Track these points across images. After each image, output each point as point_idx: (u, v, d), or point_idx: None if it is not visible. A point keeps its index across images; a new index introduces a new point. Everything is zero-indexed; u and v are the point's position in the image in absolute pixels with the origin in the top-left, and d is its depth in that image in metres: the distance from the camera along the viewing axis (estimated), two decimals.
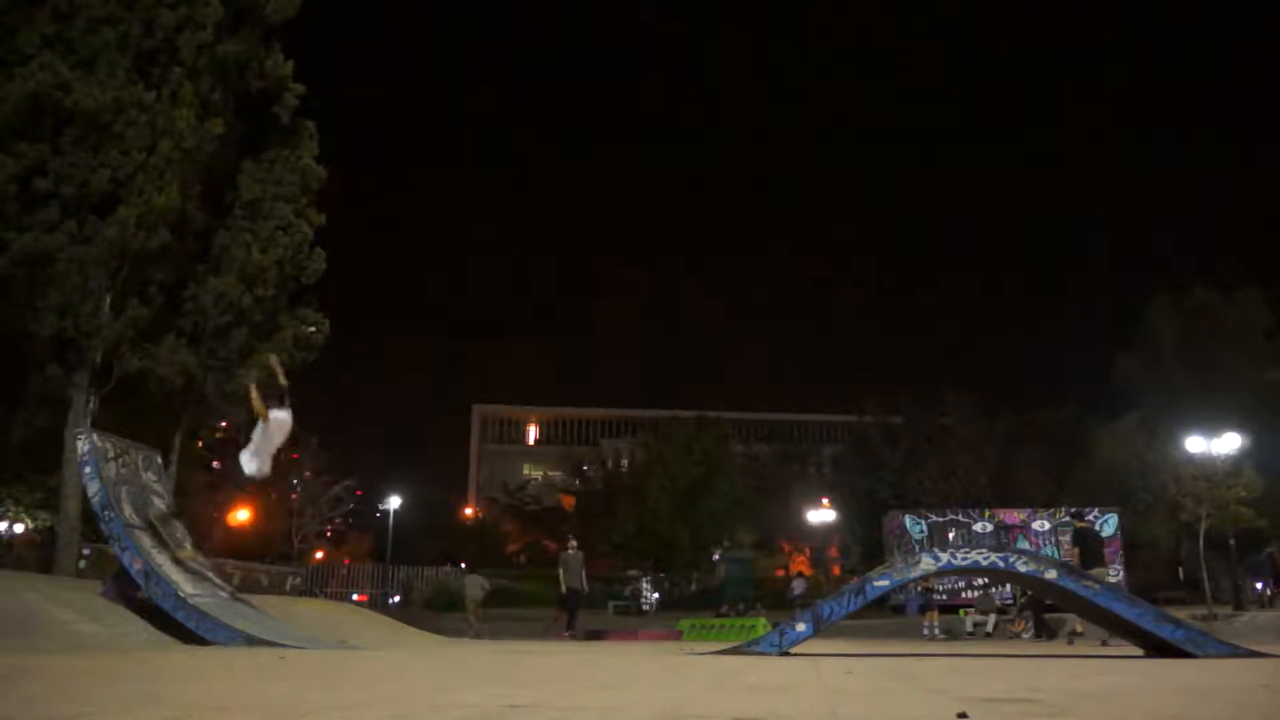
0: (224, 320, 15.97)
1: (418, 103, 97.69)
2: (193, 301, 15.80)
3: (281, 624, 9.27)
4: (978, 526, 28.98)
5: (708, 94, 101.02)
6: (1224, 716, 2.97)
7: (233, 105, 16.17)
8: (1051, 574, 7.55)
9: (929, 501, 33.23)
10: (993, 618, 20.25)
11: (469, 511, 55.08)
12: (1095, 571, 10.85)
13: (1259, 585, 24.03)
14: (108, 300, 14.50)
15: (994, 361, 78.68)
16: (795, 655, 7.11)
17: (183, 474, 19.88)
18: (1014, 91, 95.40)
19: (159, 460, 10.38)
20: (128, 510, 8.55)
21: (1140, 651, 7.59)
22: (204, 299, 15.74)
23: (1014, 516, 28.69)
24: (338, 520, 42.16)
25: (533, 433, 69.56)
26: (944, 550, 10.71)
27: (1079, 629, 13.26)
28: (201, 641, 7.55)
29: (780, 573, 41.06)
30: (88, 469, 8.48)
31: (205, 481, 32.78)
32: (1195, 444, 24.33)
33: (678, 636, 20.02)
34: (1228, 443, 23.88)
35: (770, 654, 7.13)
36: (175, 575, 8.35)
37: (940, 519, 29.70)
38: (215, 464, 44.00)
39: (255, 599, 10.94)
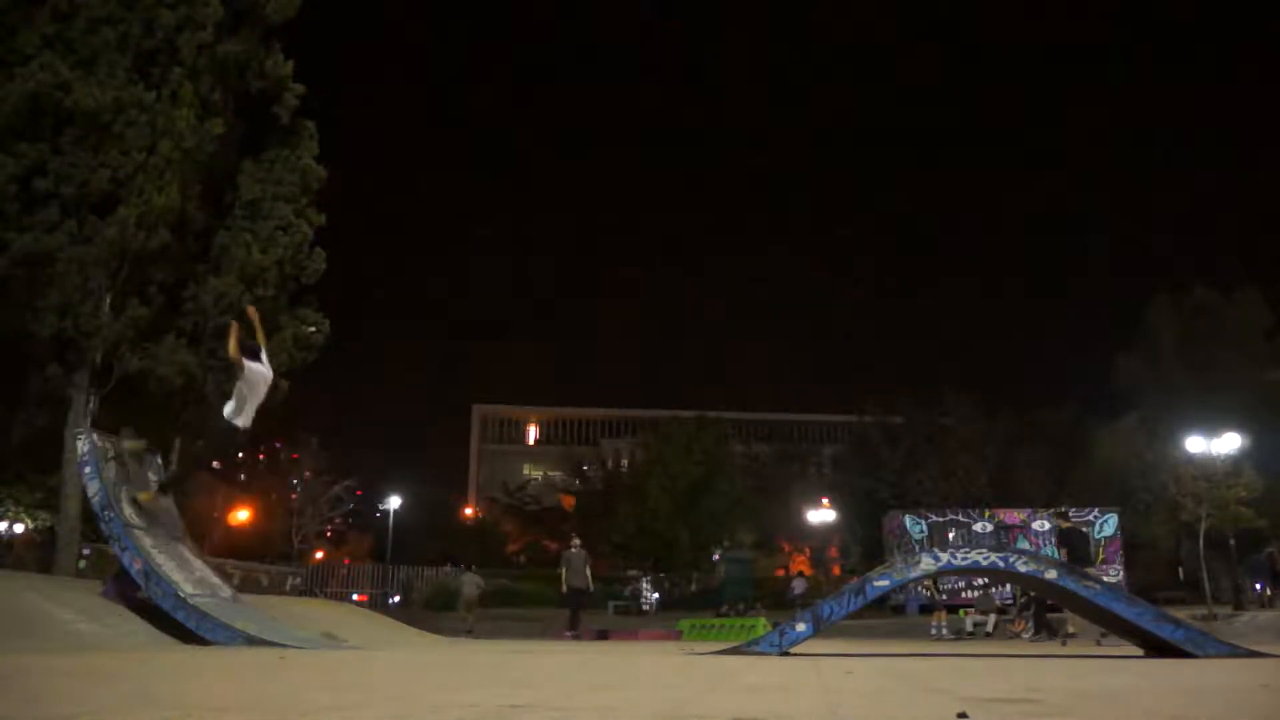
0: (224, 320, 15.96)
1: (418, 102, 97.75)
2: (193, 301, 15.80)
3: (281, 624, 9.27)
4: (978, 526, 28.98)
5: (708, 94, 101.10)
6: (1224, 716, 2.96)
7: (233, 105, 16.18)
8: (1051, 574, 7.55)
9: (929, 501, 33.23)
10: (993, 618, 20.24)
11: (469, 511, 55.07)
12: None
13: (1258, 586, 24.03)
14: (108, 300, 14.50)
15: (994, 361, 78.75)
16: (795, 655, 7.11)
17: (183, 474, 19.87)
18: (1014, 91, 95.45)
19: (159, 460, 10.38)
20: (128, 510, 8.55)
21: (1140, 651, 7.59)
22: (204, 299, 15.74)
23: (1014, 516, 28.70)
24: (338, 520, 42.21)
25: (533, 433, 69.56)
26: (944, 550, 10.70)
27: (1072, 630, 13.27)
28: (201, 641, 7.54)
29: (780, 573, 41.04)
30: (88, 469, 8.48)
31: (205, 482, 32.76)
32: (1195, 444, 24.34)
33: (678, 636, 20.03)
34: (1228, 443, 23.88)
35: (770, 654, 7.12)
36: (175, 575, 8.34)
37: (940, 519, 29.71)
38: (215, 464, 44.03)
39: (255, 599, 10.95)
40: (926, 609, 26.93)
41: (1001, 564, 7.66)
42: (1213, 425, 24.28)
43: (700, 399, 47.93)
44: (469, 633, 18.29)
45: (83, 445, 8.64)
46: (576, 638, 16.03)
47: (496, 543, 46.76)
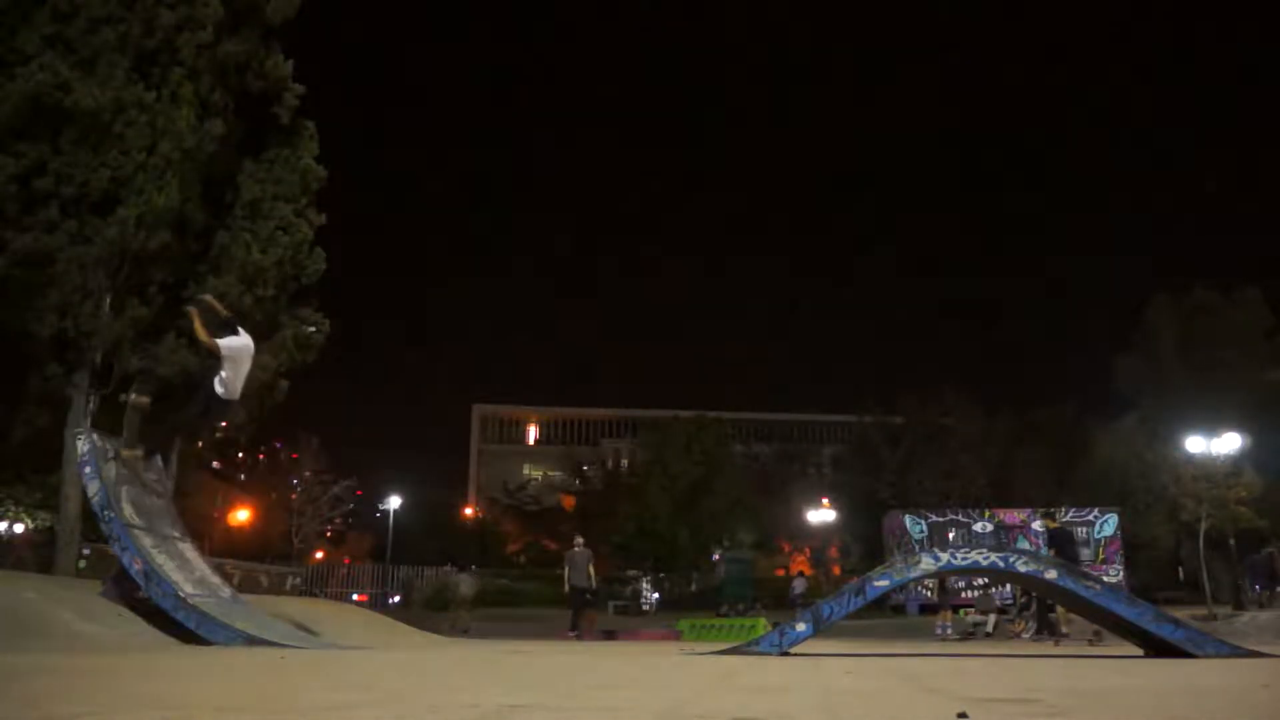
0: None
1: (418, 102, 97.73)
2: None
3: (281, 624, 9.26)
4: (978, 526, 29.00)
5: (708, 93, 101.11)
6: (1224, 716, 2.96)
7: (233, 105, 16.16)
8: (1051, 574, 7.55)
9: (929, 501, 33.25)
10: (993, 618, 20.24)
11: (469, 511, 55.07)
12: None
13: (1257, 587, 24.04)
14: (108, 300, 14.49)
15: (994, 361, 78.73)
16: (795, 655, 7.11)
17: (183, 474, 19.89)
18: (1014, 91, 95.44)
19: (159, 460, 10.37)
20: (128, 510, 8.54)
21: (1140, 651, 7.59)
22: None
23: (1014, 516, 28.72)
24: (338, 520, 42.20)
25: (533, 433, 69.54)
26: (944, 550, 10.70)
27: (1065, 630, 13.28)
28: (202, 641, 7.54)
29: (780, 573, 41.06)
30: (88, 469, 8.47)
31: (205, 481, 32.81)
32: (1195, 444, 24.35)
33: (678, 636, 20.03)
34: (1228, 443, 23.89)
35: (770, 654, 7.12)
36: (175, 575, 8.34)
37: (940, 519, 29.73)
38: (215, 464, 44.03)
39: (255, 599, 10.95)
40: (928, 609, 26.97)
41: (1001, 564, 7.66)
42: (1213, 425, 24.29)
43: (700, 399, 47.92)
44: (465, 632, 18.34)
45: (83, 445, 8.63)
46: (579, 638, 15.91)
47: (496, 543, 46.77)
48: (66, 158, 13.75)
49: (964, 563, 8.10)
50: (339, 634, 10.23)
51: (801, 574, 33.55)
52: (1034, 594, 14.85)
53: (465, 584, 21.62)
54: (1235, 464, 24.31)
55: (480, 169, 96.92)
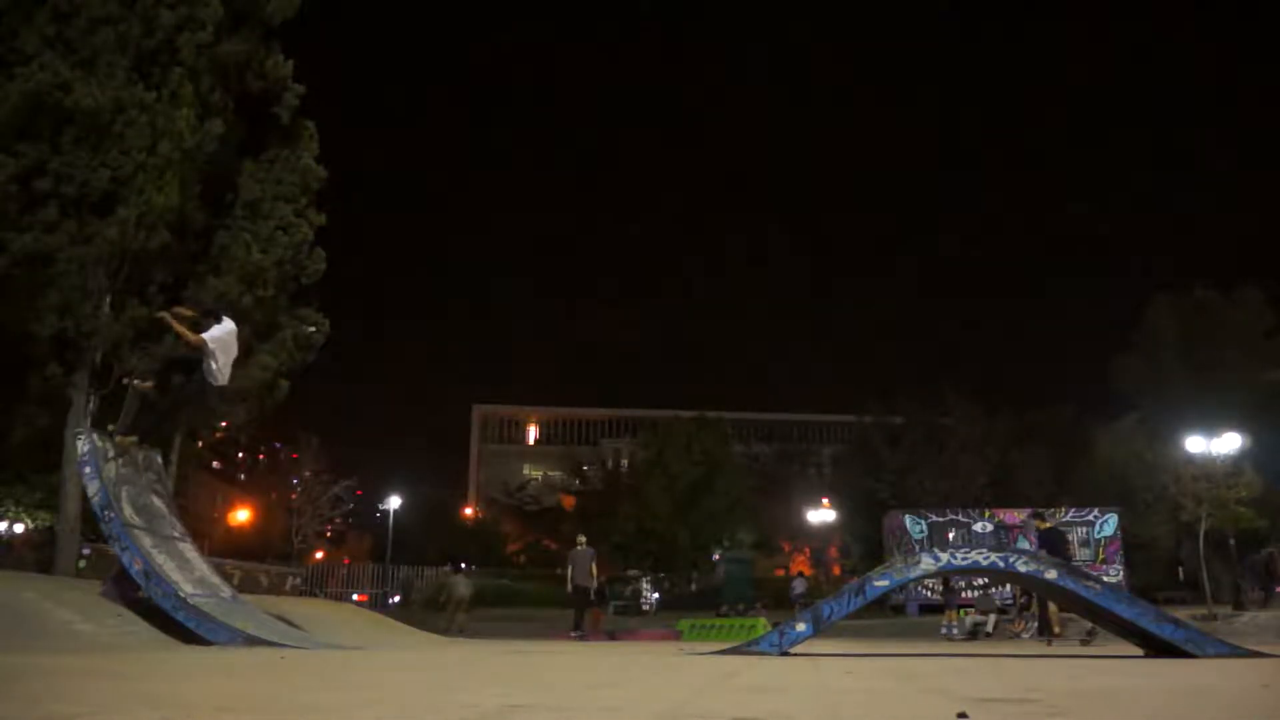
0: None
1: (418, 102, 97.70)
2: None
3: (281, 624, 9.25)
4: (978, 526, 29.00)
5: (708, 92, 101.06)
6: (1224, 716, 2.96)
7: (233, 105, 16.15)
8: (1051, 574, 7.54)
9: (929, 501, 33.24)
10: (993, 618, 20.25)
11: (469, 511, 55.08)
12: None
13: (1257, 588, 24.04)
14: (108, 300, 14.49)
15: (994, 361, 78.73)
16: (795, 655, 7.11)
17: (182, 474, 19.89)
18: (1013, 91, 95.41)
19: (159, 460, 10.37)
20: (128, 510, 8.53)
21: (1140, 651, 7.59)
22: (204, 299, 15.72)
23: (1014, 516, 28.70)
24: (338, 520, 42.20)
25: (533, 433, 69.55)
26: (944, 550, 10.69)
27: (1056, 630, 13.28)
28: (202, 641, 7.53)
29: (780, 573, 41.06)
30: (88, 469, 8.45)
31: (205, 481, 32.84)
32: (1195, 444, 24.34)
33: (678, 636, 20.02)
34: (1228, 443, 23.88)
35: (770, 654, 7.12)
36: (175, 575, 8.33)
37: (940, 519, 29.73)
38: (215, 464, 44.04)
39: (255, 599, 10.93)
40: (927, 609, 26.96)
41: (1001, 564, 7.66)
42: (1213, 425, 24.28)
43: (700, 399, 47.93)
44: (460, 633, 18.35)
45: (83, 445, 8.61)
46: (582, 638, 15.66)
47: (496, 543, 46.78)
48: (66, 158, 13.75)
49: (964, 563, 8.09)
50: (339, 634, 10.23)
51: (801, 574, 33.56)
52: (1033, 594, 14.86)
53: (461, 586, 21.69)
54: (1235, 464, 24.30)
55: (480, 168, 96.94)
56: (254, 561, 27.88)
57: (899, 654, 8.55)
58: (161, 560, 8.38)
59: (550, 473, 53.35)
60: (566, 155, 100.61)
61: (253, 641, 7.59)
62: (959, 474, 35.52)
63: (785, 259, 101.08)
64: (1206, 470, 24.18)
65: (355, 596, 31.31)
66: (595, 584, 17.39)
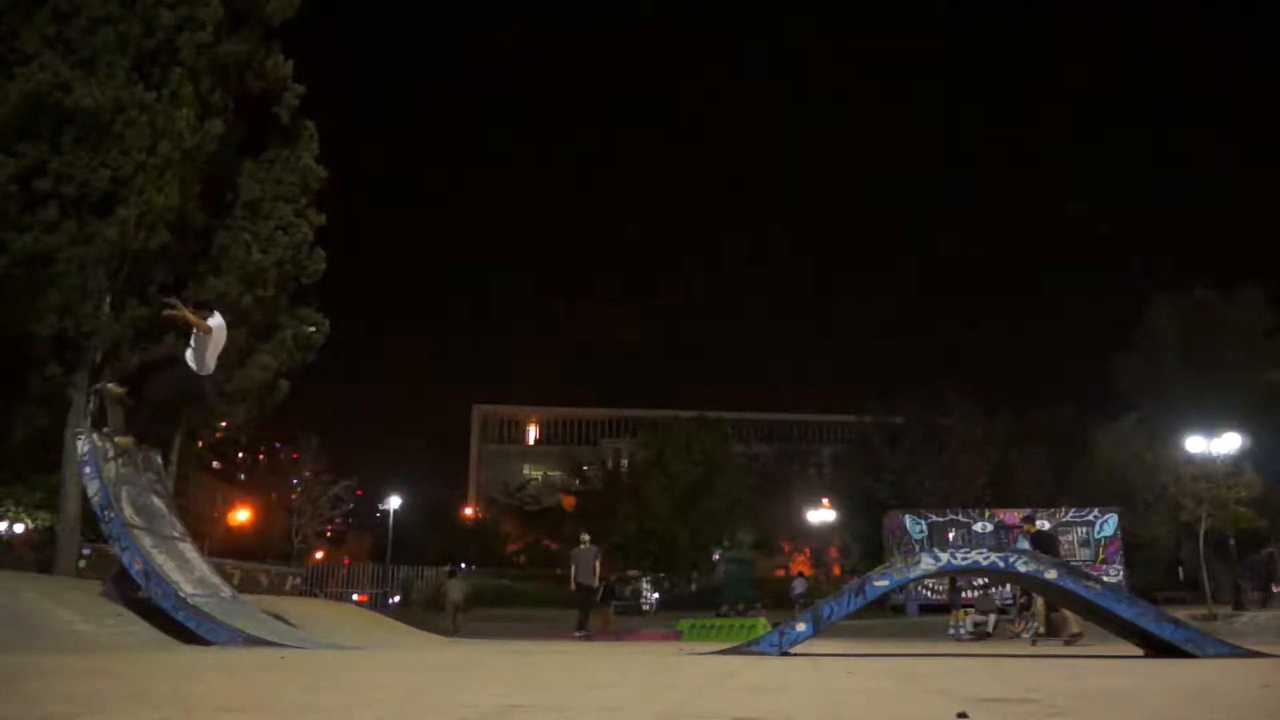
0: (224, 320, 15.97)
1: (418, 102, 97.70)
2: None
3: (281, 624, 9.25)
4: (978, 526, 29.01)
5: (708, 92, 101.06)
6: (1224, 716, 2.96)
7: (232, 105, 16.16)
8: (1051, 574, 7.54)
9: (929, 501, 33.25)
10: (993, 618, 20.25)
11: (469, 511, 55.08)
12: None
13: (1256, 589, 24.06)
14: (108, 300, 14.49)
15: (994, 361, 78.76)
16: (795, 655, 7.11)
17: (182, 474, 19.90)
18: (1013, 90, 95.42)
19: (159, 460, 10.37)
20: (128, 510, 8.53)
21: (1140, 651, 7.59)
22: (204, 299, 15.74)
23: (1014, 516, 28.69)
24: (338, 520, 42.21)
25: (533, 433, 69.55)
26: (944, 550, 10.69)
27: (1041, 630, 13.27)
28: (202, 641, 7.53)
29: (780, 573, 41.06)
30: (88, 469, 8.45)
31: (205, 481, 32.85)
32: (1195, 444, 24.35)
33: (678, 636, 20.02)
34: (1228, 443, 23.89)
35: (770, 654, 7.11)
36: (175, 575, 8.33)
37: (940, 519, 29.74)
38: (215, 464, 44.02)
39: (255, 599, 10.93)
40: (927, 609, 26.97)
41: (1001, 564, 7.65)
42: (1213, 425, 24.28)
43: (700, 399, 47.95)
44: (455, 633, 18.38)
45: (83, 445, 8.61)
46: (588, 638, 15.32)
47: (496, 543, 46.78)
48: (66, 158, 13.75)
49: (964, 563, 8.09)
50: (339, 634, 10.22)
51: (801, 574, 33.57)
52: (1031, 595, 14.87)
53: (454, 589, 21.88)
54: (1235, 464, 24.31)
55: (480, 168, 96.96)
56: (254, 561, 27.90)
57: (899, 654, 8.55)
58: (161, 560, 8.38)
59: (550, 473, 53.35)
60: (566, 155, 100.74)
61: (252, 641, 7.59)
62: (959, 474, 35.52)
63: (785, 259, 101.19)
64: (1206, 470, 24.19)
65: (355, 596, 31.32)
66: (598, 583, 16.86)
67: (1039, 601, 13.39)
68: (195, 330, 8.28)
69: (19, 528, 25.57)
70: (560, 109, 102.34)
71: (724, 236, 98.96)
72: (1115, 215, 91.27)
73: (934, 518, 29.91)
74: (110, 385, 8.62)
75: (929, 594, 27.75)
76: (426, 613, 23.86)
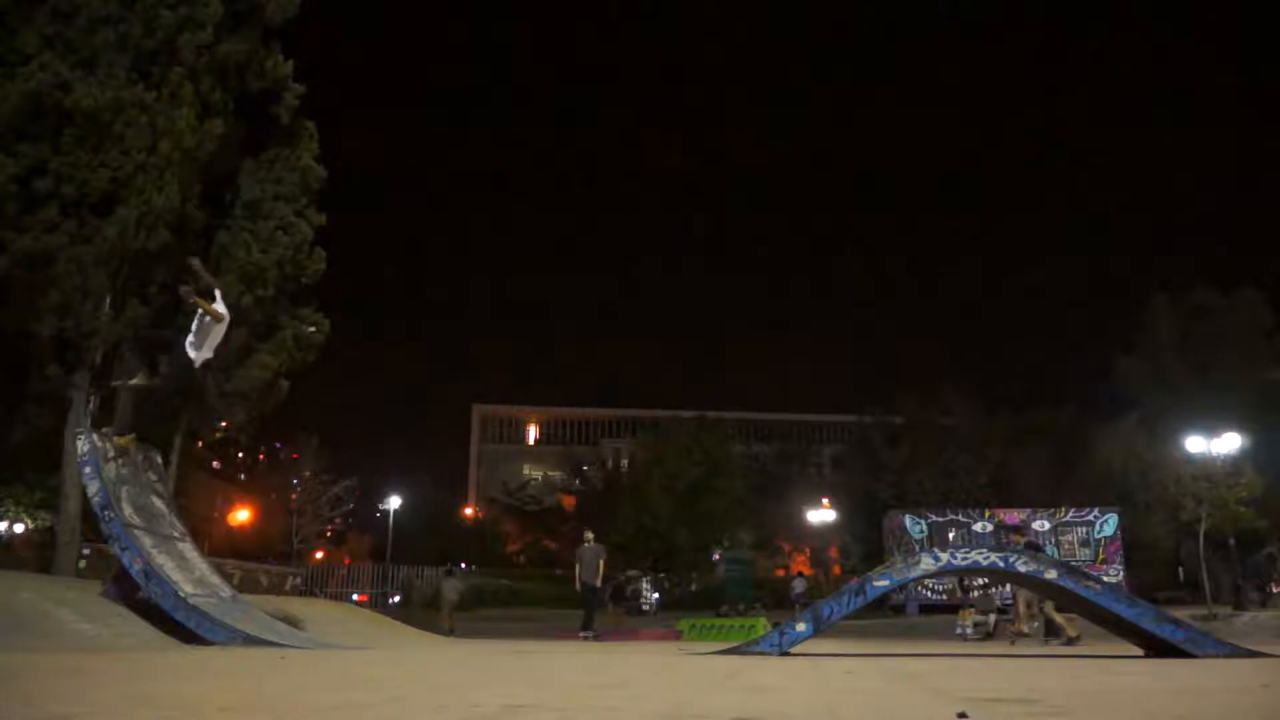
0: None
1: (418, 102, 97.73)
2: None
3: (281, 624, 9.26)
4: (978, 526, 29.02)
5: (707, 92, 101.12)
6: (1224, 716, 2.96)
7: (233, 105, 16.16)
8: (1051, 574, 7.54)
9: (929, 501, 33.27)
10: (993, 618, 20.27)
11: (469, 511, 55.08)
12: None
13: (1259, 589, 24.07)
14: (108, 300, 14.49)
15: (994, 361, 78.76)
16: (795, 655, 7.11)
17: (182, 474, 19.91)
18: (1013, 91, 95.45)
19: (159, 460, 10.37)
20: (128, 510, 8.53)
21: (1140, 651, 7.59)
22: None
23: (1014, 517, 28.71)
24: (338, 520, 42.21)
25: (533, 433, 69.55)
26: (944, 550, 10.69)
27: (1024, 630, 13.27)
28: (202, 641, 7.53)
29: (780, 573, 41.07)
30: (88, 469, 8.45)
31: (205, 481, 32.84)
32: (1195, 444, 24.36)
33: (678, 636, 20.03)
34: (1228, 443, 23.91)
35: (770, 654, 7.12)
36: (175, 575, 8.33)
37: (940, 519, 29.76)
38: (215, 464, 44.00)
39: (255, 599, 10.93)
40: (928, 609, 26.98)
41: (1001, 564, 7.66)
42: (1213, 425, 24.29)
43: (700, 399, 47.97)
44: (451, 633, 18.39)
45: (83, 445, 8.61)
46: (595, 638, 14.96)
47: (496, 543, 46.79)
48: (66, 158, 13.75)
49: (964, 563, 8.10)
50: (339, 634, 10.23)
51: (801, 574, 33.57)
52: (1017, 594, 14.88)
53: (450, 588, 22.01)
54: (1235, 464, 24.32)
55: (480, 167, 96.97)
56: (254, 561, 27.90)
57: (899, 654, 8.56)
58: (161, 560, 8.38)
59: (550, 473, 53.33)
60: (568, 153, 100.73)
61: (252, 641, 7.59)
62: (959, 474, 35.52)
63: (786, 259, 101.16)
64: (1206, 470, 24.21)
65: (355, 597, 31.30)
66: (600, 581, 16.34)
67: (1020, 602, 13.42)
68: (200, 315, 8.30)
69: (19, 528, 25.57)
70: (561, 108, 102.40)
71: (724, 236, 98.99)
72: (1115, 215, 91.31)
73: (934, 518, 29.93)
74: (117, 438, 8.65)
75: (929, 594, 27.78)
76: (426, 613, 23.88)
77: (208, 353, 8.52)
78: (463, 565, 33.70)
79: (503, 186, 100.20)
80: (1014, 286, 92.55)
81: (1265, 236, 65.94)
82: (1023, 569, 7.64)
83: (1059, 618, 12.89)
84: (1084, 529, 28.95)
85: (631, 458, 44.33)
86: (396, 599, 31.81)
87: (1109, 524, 28.96)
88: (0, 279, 13.57)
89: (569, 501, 45.27)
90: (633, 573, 34.52)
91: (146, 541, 8.43)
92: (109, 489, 8.37)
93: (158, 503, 9.38)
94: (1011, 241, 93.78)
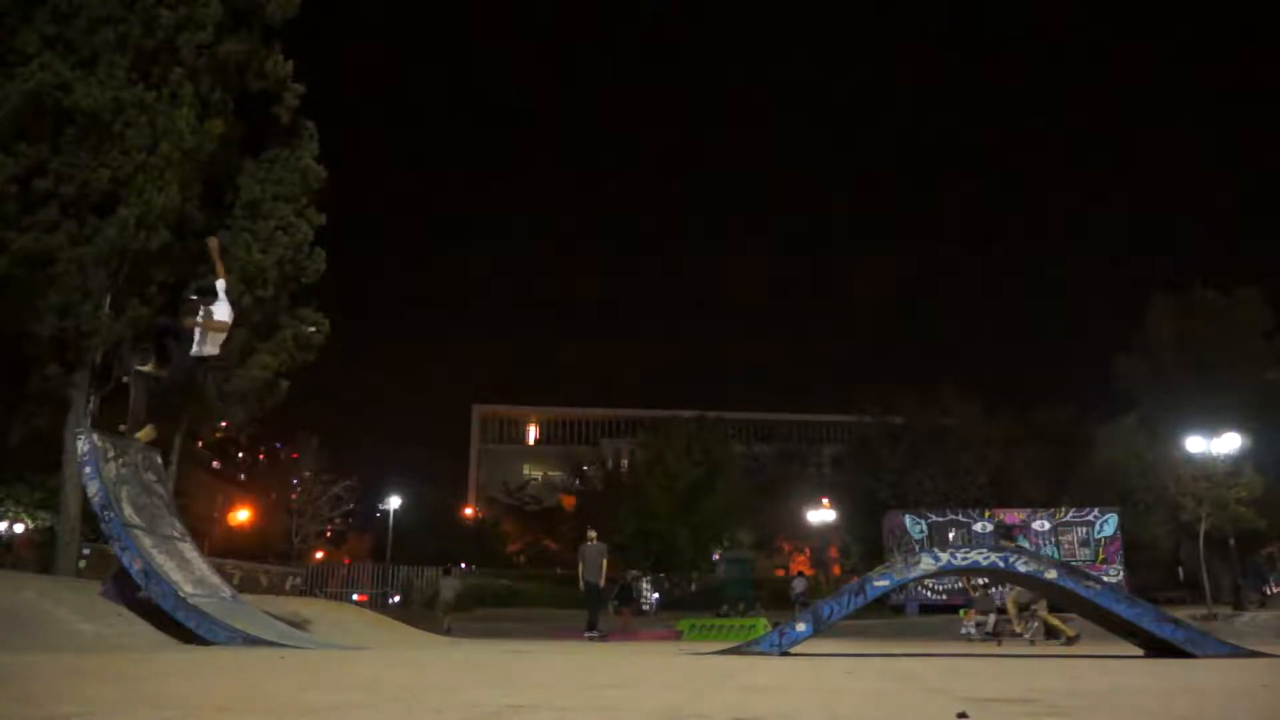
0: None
1: (417, 102, 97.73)
2: None
3: (281, 624, 9.26)
4: (978, 526, 29.00)
5: (707, 93, 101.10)
6: (1224, 716, 2.96)
7: (232, 105, 16.17)
8: (1051, 574, 7.54)
9: (929, 501, 33.24)
10: (993, 617, 20.26)
11: (469, 511, 55.05)
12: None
13: (1259, 589, 24.07)
14: (108, 300, 14.49)
15: (994, 361, 78.76)
16: (795, 655, 7.11)
17: (182, 474, 19.90)
18: (1013, 91, 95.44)
19: (159, 460, 10.37)
20: (128, 510, 8.54)
21: (1140, 651, 7.59)
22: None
23: (1014, 517, 28.69)
24: (338, 520, 42.18)
25: (533, 433, 69.50)
26: (944, 550, 10.70)
27: (1017, 629, 13.28)
28: (202, 641, 7.53)
29: (780, 573, 41.05)
30: (88, 469, 8.46)
31: (205, 481, 32.83)
32: (1195, 444, 24.37)
33: (678, 636, 20.04)
34: (1228, 443, 23.91)
35: (770, 654, 7.12)
36: (175, 575, 8.33)
37: (940, 519, 29.74)
38: (215, 464, 43.99)
39: (255, 599, 10.94)
40: (928, 609, 26.96)
41: (1001, 564, 7.66)
42: (1213, 425, 24.30)
43: (700, 399, 47.96)
44: (447, 632, 18.40)
45: (83, 445, 8.62)
46: (602, 638, 14.85)
47: (496, 543, 46.74)
48: (66, 158, 13.76)
49: (964, 563, 8.10)
50: (339, 634, 10.23)
51: (801, 574, 33.56)
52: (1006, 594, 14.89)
53: (447, 588, 22.07)
54: (1235, 464, 24.32)
55: (481, 168, 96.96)
56: (254, 561, 27.90)
57: (899, 654, 8.55)
58: (161, 560, 8.39)
59: (550, 473, 53.29)
60: (568, 153, 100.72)
61: (252, 641, 7.60)
62: (959, 474, 35.49)
63: (786, 258, 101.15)
64: (1206, 470, 24.21)
65: (355, 596, 31.29)
66: (604, 581, 16.37)
67: (1010, 602, 13.43)
68: (201, 331, 8.31)
69: (19, 528, 25.58)
70: (561, 107, 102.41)
71: (725, 236, 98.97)
72: (1115, 215, 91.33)
73: (934, 518, 29.92)
74: (149, 366, 8.74)
75: (929, 594, 27.76)
76: (427, 613, 23.89)
77: (213, 348, 8.54)
78: (463, 565, 33.66)
79: (503, 186, 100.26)
80: (1014, 287, 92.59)
81: (1265, 236, 65.93)
82: (1023, 569, 7.65)
83: (1054, 619, 12.90)
84: (1084, 529, 28.93)
85: (631, 458, 44.29)
86: (396, 599, 31.82)
87: (1109, 524, 28.93)
88: (0, 279, 13.57)
89: (569, 501, 45.23)
90: (633, 573, 34.50)
91: (146, 541, 8.44)
92: (109, 489, 8.37)
93: (158, 503, 9.38)
94: (1012, 241, 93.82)
